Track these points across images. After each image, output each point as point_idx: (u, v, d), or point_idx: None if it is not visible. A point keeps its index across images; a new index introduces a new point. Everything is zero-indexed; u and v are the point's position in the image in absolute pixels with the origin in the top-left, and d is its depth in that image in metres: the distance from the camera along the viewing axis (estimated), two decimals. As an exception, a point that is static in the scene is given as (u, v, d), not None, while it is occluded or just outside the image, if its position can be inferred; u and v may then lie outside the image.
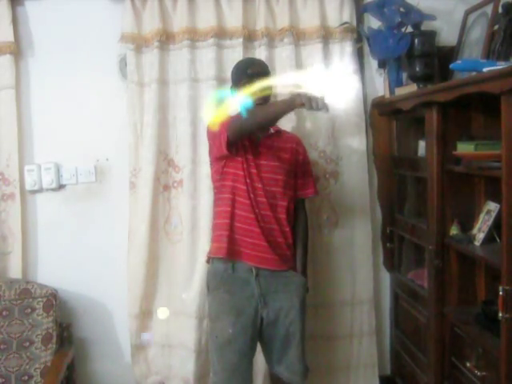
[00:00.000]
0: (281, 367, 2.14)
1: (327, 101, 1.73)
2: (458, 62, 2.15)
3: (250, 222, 2.07)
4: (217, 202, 2.18)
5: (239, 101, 1.96)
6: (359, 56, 2.68)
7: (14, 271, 2.58)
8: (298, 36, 2.59)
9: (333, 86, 2.48)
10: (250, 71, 2.08)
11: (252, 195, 2.06)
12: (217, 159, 2.12)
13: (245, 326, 2.07)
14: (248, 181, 2.06)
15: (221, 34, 2.55)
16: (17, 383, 2.36)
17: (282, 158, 2.13)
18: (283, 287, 2.11)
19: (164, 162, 2.62)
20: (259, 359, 2.44)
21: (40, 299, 2.44)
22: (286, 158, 2.14)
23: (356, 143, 2.65)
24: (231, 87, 2.19)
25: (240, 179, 2.07)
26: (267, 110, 1.99)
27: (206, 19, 2.55)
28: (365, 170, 2.68)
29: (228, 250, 2.07)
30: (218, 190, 2.16)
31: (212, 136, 2.09)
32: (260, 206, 2.07)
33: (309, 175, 2.23)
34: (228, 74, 2.37)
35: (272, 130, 2.14)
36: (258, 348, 2.21)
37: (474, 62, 1.98)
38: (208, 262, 2.19)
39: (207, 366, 2.47)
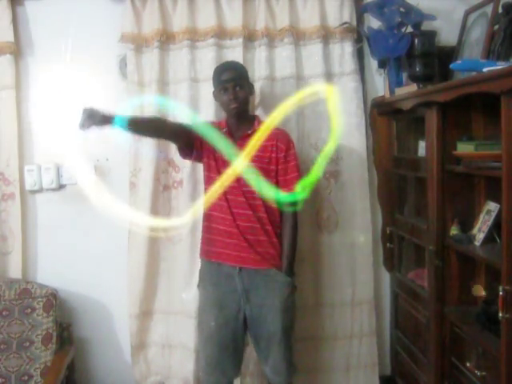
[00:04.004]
0: (267, 367, 2.17)
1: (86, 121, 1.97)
2: (458, 62, 2.15)
3: (228, 223, 2.13)
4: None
5: None
6: (359, 56, 2.67)
7: (14, 271, 2.58)
8: (298, 36, 2.58)
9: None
10: (222, 78, 2.16)
11: (229, 196, 2.12)
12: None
13: (227, 320, 2.12)
14: (230, 183, 2.08)
15: (221, 34, 2.55)
16: (17, 383, 2.36)
17: (259, 157, 2.12)
18: (265, 285, 2.13)
19: (164, 161, 2.62)
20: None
21: (40, 299, 2.45)
22: (263, 156, 2.15)
23: (356, 143, 2.65)
24: (213, 91, 2.26)
25: (214, 182, 2.09)
26: None
27: (206, 19, 2.55)
28: (365, 170, 2.67)
29: (207, 252, 2.19)
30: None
31: None
32: (239, 205, 2.13)
33: (291, 172, 2.16)
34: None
35: (249, 131, 2.14)
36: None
37: (474, 62, 1.98)
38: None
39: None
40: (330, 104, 1.80)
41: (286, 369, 2.15)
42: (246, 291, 2.13)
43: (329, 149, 1.95)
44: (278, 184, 2.16)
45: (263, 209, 2.14)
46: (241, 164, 2.09)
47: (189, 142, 2.17)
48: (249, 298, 2.13)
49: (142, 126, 2.07)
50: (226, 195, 2.12)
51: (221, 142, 2.04)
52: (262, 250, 2.13)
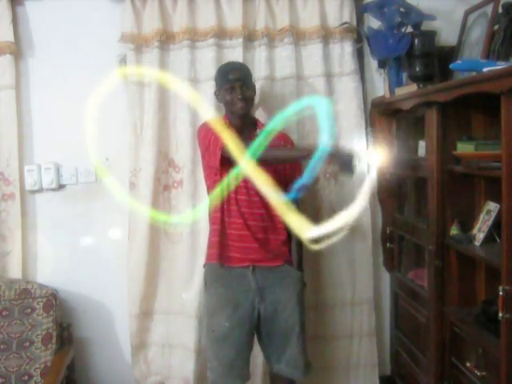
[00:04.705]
0: (281, 364, 2.13)
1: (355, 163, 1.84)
2: (458, 62, 2.15)
3: (240, 227, 2.11)
4: (211, 207, 2.20)
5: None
6: (359, 56, 2.68)
7: (14, 271, 2.57)
8: (297, 36, 2.58)
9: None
10: (230, 77, 2.13)
11: (241, 196, 2.10)
12: (209, 167, 2.16)
13: (241, 320, 2.09)
14: (241, 183, 2.08)
15: (221, 34, 2.55)
16: (17, 383, 2.36)
17: None
18: (280, 281, 2.13)
19: (164, 162, 2.62)
20: (259, 358, 2.45)
21: (40, 299, 2.45)
22: None
23: (356, 143, 2.65)
24: (215, 91, 2.24)
25: (223, 183, 2.07)
26: (277, 154, 2.03)
27: (206, 19, 2.55)
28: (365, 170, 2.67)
29: (218, 256, 2.13)
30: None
31: (203, 142, 2.13)
32: (253, 205, 2.11)
33: (299, 172, 2.14)
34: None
35: (255, 131, 2.14)
36: (258, 348, 2.21)
37: (474, 62, 1.99)
38: (204, 266, 2.23)
39: (207, 366, 2.47)
40: (325, 110, 1.79)
41: (304, 362, 2.13)
42: (260, 289, 2.10)
43: (324, 150, 1.94)
44: (286, 183, 2.14)
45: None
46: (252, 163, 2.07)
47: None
48: (264, 297, 2.10)
49: None
50: (236, 196, 2.11)
51: (233, 141, 2.03)
52: (273, 248, 2.14)
